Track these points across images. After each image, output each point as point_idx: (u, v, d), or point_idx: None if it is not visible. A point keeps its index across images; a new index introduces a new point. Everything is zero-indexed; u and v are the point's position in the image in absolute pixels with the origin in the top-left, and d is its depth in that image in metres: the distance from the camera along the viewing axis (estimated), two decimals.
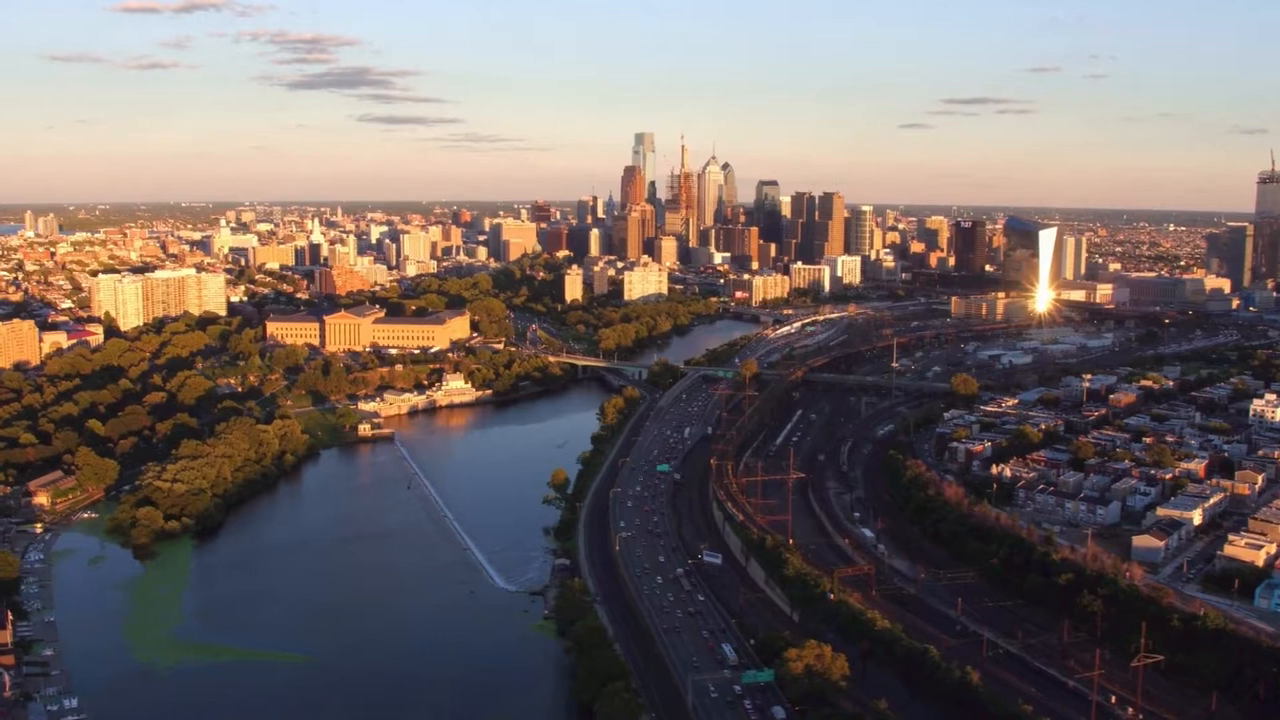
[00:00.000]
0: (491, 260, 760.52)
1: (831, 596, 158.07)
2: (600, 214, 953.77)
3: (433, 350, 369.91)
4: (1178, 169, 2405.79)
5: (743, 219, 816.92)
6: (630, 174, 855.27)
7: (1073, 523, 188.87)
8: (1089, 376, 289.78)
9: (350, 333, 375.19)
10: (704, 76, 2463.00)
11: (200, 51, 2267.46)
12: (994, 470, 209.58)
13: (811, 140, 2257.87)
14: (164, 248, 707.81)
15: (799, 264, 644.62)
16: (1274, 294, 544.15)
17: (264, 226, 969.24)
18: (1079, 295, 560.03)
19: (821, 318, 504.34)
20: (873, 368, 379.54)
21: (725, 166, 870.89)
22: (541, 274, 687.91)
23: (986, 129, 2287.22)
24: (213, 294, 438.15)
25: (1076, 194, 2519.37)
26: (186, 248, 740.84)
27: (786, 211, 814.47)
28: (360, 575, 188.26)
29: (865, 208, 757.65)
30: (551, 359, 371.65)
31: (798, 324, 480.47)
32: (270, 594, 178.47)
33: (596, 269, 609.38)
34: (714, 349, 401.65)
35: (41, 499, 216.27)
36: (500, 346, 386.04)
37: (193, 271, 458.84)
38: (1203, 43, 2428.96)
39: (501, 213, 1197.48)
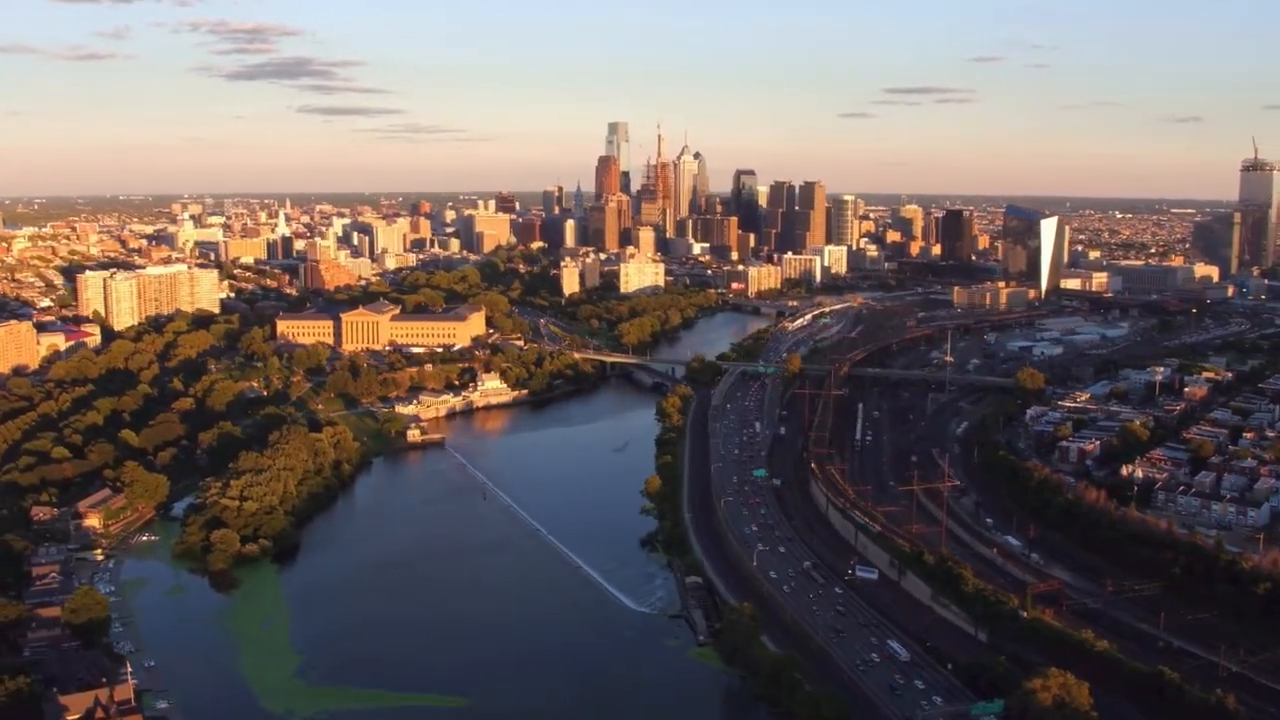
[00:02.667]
0: (466, 252, 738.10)
1: (1024, 614, 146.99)
2: (566, 204, 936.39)
3: (456, 348, 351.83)
4: (1116, 157, 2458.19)
5: (719, 209, 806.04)
6: (605, 164, 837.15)
7: (1222, 525, 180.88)
8: (1160, 370, 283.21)
9: (368, 331, 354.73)
10: (648, 66, 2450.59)
11: (138, 42, 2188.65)
12: (1124, 471, 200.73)
13: (756, 129, 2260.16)
14: (123, 243, 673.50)
15: (789, 254, 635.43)
16: (1265, 281, 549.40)
17: (216, 220, 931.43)
18: (1074, 284, 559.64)
19: (828, 309, 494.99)
20: (908, 360, 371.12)
21: (697, 156, 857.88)
22: (522, 266, 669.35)
23: (927, 118, 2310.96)
24: (205, 291, 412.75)
25: (1017, 182, 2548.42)
26: (144, 242, 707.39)
27: (763, 201, 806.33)
28: (477, 598, 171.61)
29: (847, 197, 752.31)
30: (577, 355, 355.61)
31: (808, 316, 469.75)
32: (385, 623, 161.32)
33: (588, 261, 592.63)
34: (740, 343, 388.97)
35: (93, 521, 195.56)
36: (522, 343, 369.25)
37: (184, 268, 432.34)
38: (1142, 32, 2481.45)
39: (449, 204, 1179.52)
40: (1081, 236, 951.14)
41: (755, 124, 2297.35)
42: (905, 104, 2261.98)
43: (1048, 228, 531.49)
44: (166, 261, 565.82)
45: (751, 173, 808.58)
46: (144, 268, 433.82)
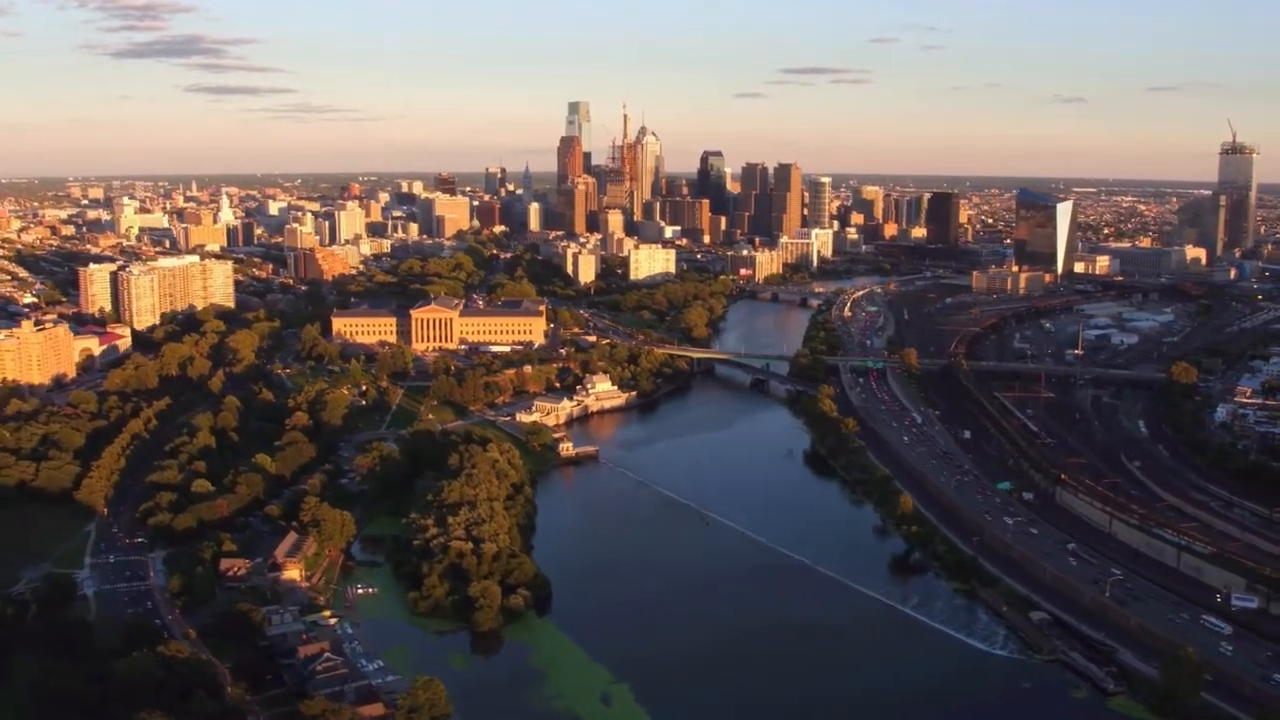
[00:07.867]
0: (428, 238, 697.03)
1: None
2: (512, 187, 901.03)
3: (535, 346, 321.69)
4: (1006, 137, 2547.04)
5: (685, 190, 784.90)
6: (567, 145, 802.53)
7: None
8: None
9: (440, 328, 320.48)
10: (546, 47, 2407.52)
11: (21, 18, 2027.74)
12: None
13: (653, 108, 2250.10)
14: (54, 230, 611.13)
15: (785, 238, 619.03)
16: (1260, 264, 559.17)
17: (130, 203, 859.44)
18: (1079, 267, 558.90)
19: (861, 293, 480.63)
20: (995, 350, 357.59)
21: (655, 135, 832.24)
22: (496, 251, 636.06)
23: (822, 98, 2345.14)
24: (219, 284, 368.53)
25: (912, 161, 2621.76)
26: (73, 228, 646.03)
27: (727, 183, 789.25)
28: (820, 654, 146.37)
29: (824, 179, 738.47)
30: (660, 351, 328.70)
31: (847, 304, 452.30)
32: (747, 694, 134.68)
33: (589, 246, 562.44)
34: (812, 335, 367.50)
35: (292, 573, 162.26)
36: (594, 339, 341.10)
37: (195, 259, 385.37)
38: (1031, 14, 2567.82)
39: (355, 185, 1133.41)
40: (1008, 214, 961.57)
41: (651, 104, 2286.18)
42: (799, 84, 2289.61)
43: (1063, 211, 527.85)
44: (118, 249, 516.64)
45: (719, 154, 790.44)
46: (154, 259, 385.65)
